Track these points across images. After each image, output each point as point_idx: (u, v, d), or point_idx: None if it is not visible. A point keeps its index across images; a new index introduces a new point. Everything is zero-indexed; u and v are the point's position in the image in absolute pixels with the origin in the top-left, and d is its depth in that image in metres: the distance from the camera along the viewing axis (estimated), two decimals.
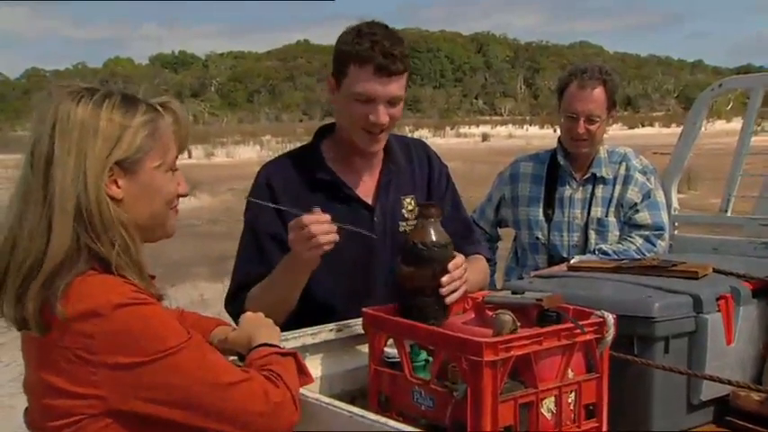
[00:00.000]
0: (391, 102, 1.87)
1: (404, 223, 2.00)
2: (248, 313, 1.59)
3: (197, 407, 1.23)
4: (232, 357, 1.46)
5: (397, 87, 1.86)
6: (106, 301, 1.20)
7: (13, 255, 1.25)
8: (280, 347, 1.44)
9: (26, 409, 1.37)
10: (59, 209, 1.23)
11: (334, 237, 1.67)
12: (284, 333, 1.69)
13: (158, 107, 1.35)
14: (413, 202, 2.04)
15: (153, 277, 1.35)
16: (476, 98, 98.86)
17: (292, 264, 1.77)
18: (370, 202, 1.99)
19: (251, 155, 31.05)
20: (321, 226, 1.65)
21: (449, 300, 1.57)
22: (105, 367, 1.19)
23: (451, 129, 52.15)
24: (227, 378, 1.26)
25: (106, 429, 1.22)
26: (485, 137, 46.53)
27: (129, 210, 1.29)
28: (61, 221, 1.23)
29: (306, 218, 1.66)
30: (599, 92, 2.63)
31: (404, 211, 2.01)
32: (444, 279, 1.55)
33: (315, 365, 1.64)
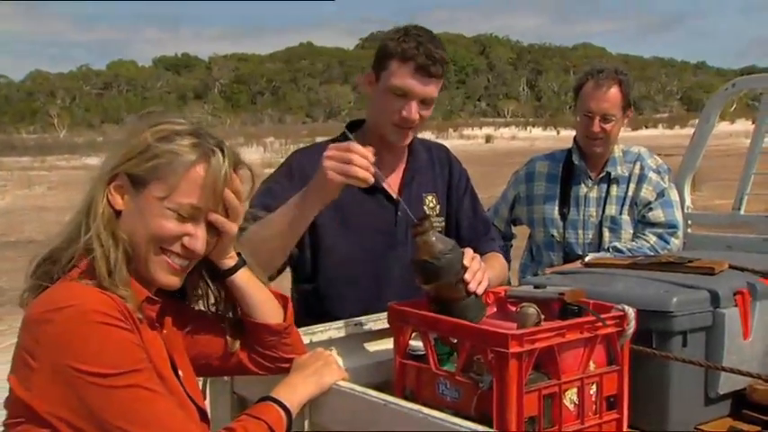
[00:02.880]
0: (424, 101, 1.95)
1: None
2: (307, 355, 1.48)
3: None
4: None
5: (432, 89, 1.95)
6: (64, 306, 1.16)
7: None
8: (279, 411, 1.32)
9: None
10: (82, 202, 1.29)
11: (368, 176, 1.61)
12: (311, 327, 1.73)
13: (199, 148, 1.29)
14: (434, 199, 2.12)
15: (151, 300, 1.29)
16: (479, 100, 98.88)
17: (308, 188, 1.70)
18: (394, 196, 2.03)
19: (254, 157, 30.89)
20: (363, 160, 1.61)
21: (480, 290, 1.59)
22: (41, 369, 1.13)
23: (455, 130, 52.16)
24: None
25: None
26: (488, 138, 46.58)
27: (121, 226, 1.27)
28: (77, 215, 1.28)
29: (353, 145, 1.62)
30: (614, 91, 2.67)
31: (425, 207, 2.09)
32: (467, 276, 1.57)
33: (340, 359, 1.67)
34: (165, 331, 1.36)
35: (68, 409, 1.13)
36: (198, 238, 1.29)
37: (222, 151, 1.30)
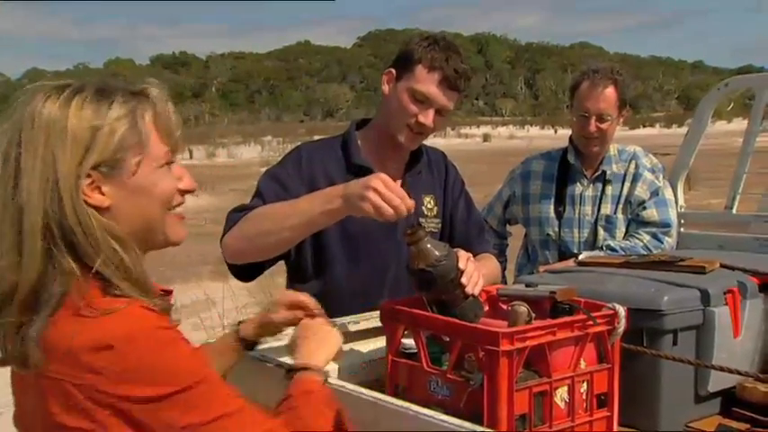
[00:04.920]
0: (440, 111, 1.98)
1: (423, 220, 2.10)
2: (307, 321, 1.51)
3: None
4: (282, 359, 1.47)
5: (452, 102, 1.99)
6: (119, 331, 1.04)
7: None
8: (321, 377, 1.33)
9: None
10: (26, 225, 1.07)
11: (390, 217, 1.58)
12: None
13: (138, 94, 1.16)
14: (432, 200, 2.15)
15: (166, 292, 1.20)
16: (476, 99, 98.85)
17: (332, 197, 1.67)
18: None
19: (252, 155, 31.13)
20: (397, 201, 1.57)
21: (476, 291, 1.58)
22: (114, 403, 1.04)
23: (452, 129, 52.14)
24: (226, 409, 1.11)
25: None
26: (486, 137, 46.66)
27: (118, 218, 1.12)
28: (29, 241, 1.07)
29: (407, 198, 1.59)
30: (610, 91, 2.67)
31: (424, 208, 2.12)
32: (464, 280, 1.56)
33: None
34: None
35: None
36: (186, 173, 1.20)
37: (146, 88, 1.19)
